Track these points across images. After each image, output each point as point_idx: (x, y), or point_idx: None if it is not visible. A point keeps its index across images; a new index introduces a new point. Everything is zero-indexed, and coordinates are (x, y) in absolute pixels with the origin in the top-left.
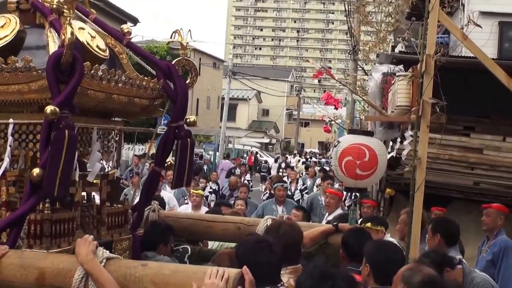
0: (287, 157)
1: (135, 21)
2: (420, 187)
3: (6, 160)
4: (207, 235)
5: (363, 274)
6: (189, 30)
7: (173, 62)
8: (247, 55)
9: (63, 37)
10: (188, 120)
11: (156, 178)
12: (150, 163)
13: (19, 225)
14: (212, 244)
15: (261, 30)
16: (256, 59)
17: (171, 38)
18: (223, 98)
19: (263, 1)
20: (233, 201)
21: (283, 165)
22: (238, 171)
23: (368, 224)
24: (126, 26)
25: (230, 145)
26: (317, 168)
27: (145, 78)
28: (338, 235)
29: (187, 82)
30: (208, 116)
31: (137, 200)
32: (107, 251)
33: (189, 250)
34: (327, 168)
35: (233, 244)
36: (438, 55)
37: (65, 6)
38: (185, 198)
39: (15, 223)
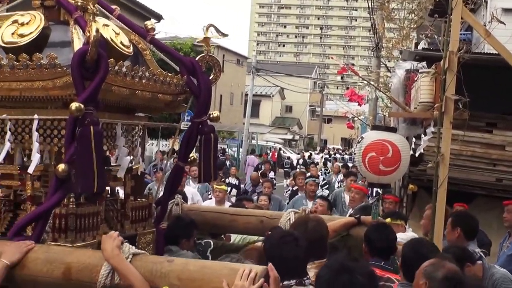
0: (306, 154)
1: (158, 18)
2: (443, 183)
3: (37, 156)
4: (230, 228)
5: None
6: (212, 26)
7: (196, 58)
8: (270, 52)
9: (88, 34)
10: (211, 116)
11: (179, 173)
12: (174, 158)
13: (44, 219)
14: (234, 238)
15: (285, 27)
16: (280, 56)
17: (204, 32)
18: (246, 95)
19: None
20: (255, 197)
21: (301, 161)
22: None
23: (388, 219)
24: (150, 23)
25: (254, 141)
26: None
27: (169, 74)
28: (360, 227)
29: (210, 78)
30: (231, 112)
31: (160, 194)
32: (133, 247)
33: (211, 244)
34: (350, 164)
35: (255, 238)
36: (461, 52)
37: (90, 3)
38: (209, 193)
39: (41, 217)
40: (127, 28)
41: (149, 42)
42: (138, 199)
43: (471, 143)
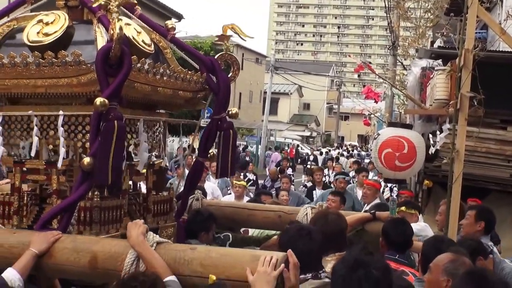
0: (324, 150)
1: (179, 17)
2: (457, 179)
3: (63, 151)
4: (248, 223)
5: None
6: (235, 26)
7: (215, 57)
8: (289, 50)
9: (111, 32)
10: (230, 112)
11: (199, 168)
12: (188, 155)
13: (70, 212)
14: (252, 232)
15: (303, 26)
16: (298, 54)
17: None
18: (265, 92)
19: None
20: (274, 192)
21: (311, 157)
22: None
23: (403, 208)
24: (170, 22)
25: (272, 138)
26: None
27: (189, 71)
28: (375, 222)
29: (229, 75)
30: (250, 109)
31: (181, 189)
32: (157, 235)
33: (230, 238)
34: (367, 161)
35: (272, 232)
36: (476, 50)
37: (113, 3)
38: (228, 188)
39: (67, 210)
40: (148, 27)
41: (169, 41)
42: (160, 194)
43: (485, 140)
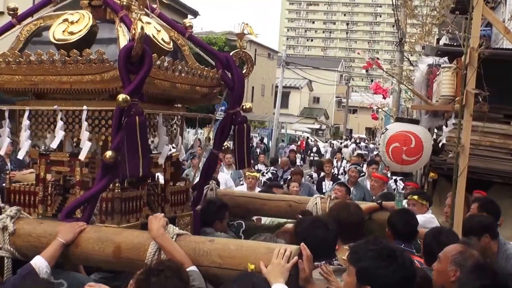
0: (343, 143)
1: (195, 13)
2: (463, 172)
3: (87, 144)
4: (261, 212)
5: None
6: (244, 23)
7: (231, 54)
8: (299, 46)
9: (133, 31)
10: (244, 107)
11: (214, 160)
12: (205, 146)
13: (93, 202)
14: (264, 220)
15: (313, 22)
16: (308, 50)
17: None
18: (276, 87)
19: None
20: (284, 181)
21: (314, 149)
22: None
23: (415, 197)
24: (188, 20)
25: (283, 131)
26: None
27: (206, 68)
28: (382, 212)
29: (243, 72)
30: (262, 103)
31: (196, 180)
32: (177, 228)
33: (243, 225)
34: (375, 152)
35: (282, 220)
36: (481, 48)
37: (135, 3)
38: (241, 179)
39: (90, 201)
40: (167, 25)
41: (187, 38)
42: (177, 184)
43: (489, 134)
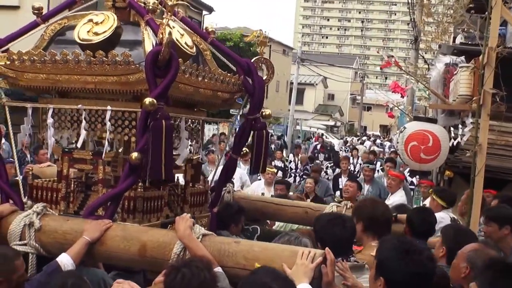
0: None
1: (210, 10)
2: (480, 171)
3: (108, 143)
4: (277, 217)
5: (437, 254)
6: (260, 31)
7: (252, 60)
8: (314, 43)
9: (161, 36)
10: (263, 113)
11: (233, 164)
12: (221, 142)
13: (116, 201)
14: (277, 225)
15: (328, 20)
16: (323, 47)
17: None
18: (291, 83)
19: None
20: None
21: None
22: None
23: (431, 191)
24: (210, 26)
25: (298, 127)
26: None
27: (227, 74)
28: (397, 225)
29: (264, 78)
30: (277, 99)
31: (210, 176)
32: (203, 228)
33: (258, 230)
34: (392, 149)
35: (295, 226)
36: (499, 48)
37: (167, 11)
38: (258, 175)
39: (113, 200)
40: (190, 30)
41: (209, 43)
42: (196, 186)
43: (505, 133)
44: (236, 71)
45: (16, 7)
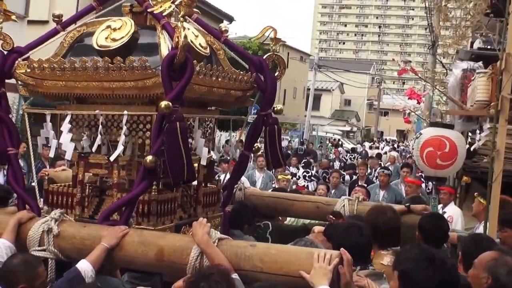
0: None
1: (230, 19)
2: (497, 177)
3: (120, 147)
4: (288, 212)
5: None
6: (273, 29)
7: (264, 57)
8: (331, 49)
9: (176, 39)
10: (275, 109)
11: (245, 161)
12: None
13: (132, 205)
14: (288, 220)
15: (345, 25)
16: (340, 53)
17: (263, 34)
18: (308, 89)
19: None
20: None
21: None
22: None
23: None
24: (224, 25)
25: (314, 133)
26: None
27: (240, 72)
28: (410, 215)
29: (275, 74)
30: (294, 105)
31: (222, 176)
32: (218, 232)
33: (270, 226)
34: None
35: (307, 221)
36: None
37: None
38: (273, 182)
39: (128, 204)
40: (204, 30)
41: (222, 43)
42: (209, 185)
43: None
44: (249, 69)
45: (45, 22)
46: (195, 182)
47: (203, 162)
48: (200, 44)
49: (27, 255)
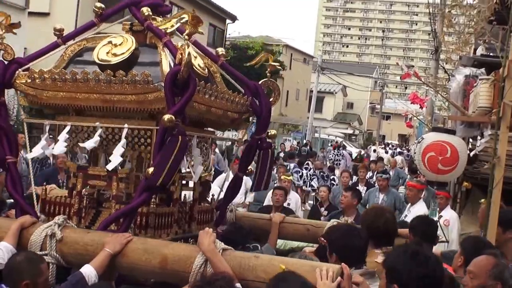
0: (372, 148)
1: (233, 18)
2: (498, 184)
3: (119, 158)
4: (279, 234)
5: (455, 264)
6: (267, 54)
7: (259, 82)
8: (335, 52)
9: (180, 56)
10: (269, 133)
11: (238, 183)
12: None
13: (131, 216)
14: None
15: (349, 29)
16: (343, 55)
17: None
18: (311, 91)
19: (351, 3)
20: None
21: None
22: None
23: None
24: (221, 49)
25: (316, 135)
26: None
27: (237, 94)
28: (397, 238)
29: (270, 100)
30: (297, 107)
31: (216, 195)
32: (222, 243)
33: (259, 248)
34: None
35: (295, 244)
36: None
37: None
38: (275, 182)
39: (128, 215)
40: (201, 53)
41: (219, 66)
42: (203, 203)
43: None
44: (244, 93)
45: (46, 14)
46: (190, 199)
47: (196, 179)
48: (199, 64)
49: (29, 253)
